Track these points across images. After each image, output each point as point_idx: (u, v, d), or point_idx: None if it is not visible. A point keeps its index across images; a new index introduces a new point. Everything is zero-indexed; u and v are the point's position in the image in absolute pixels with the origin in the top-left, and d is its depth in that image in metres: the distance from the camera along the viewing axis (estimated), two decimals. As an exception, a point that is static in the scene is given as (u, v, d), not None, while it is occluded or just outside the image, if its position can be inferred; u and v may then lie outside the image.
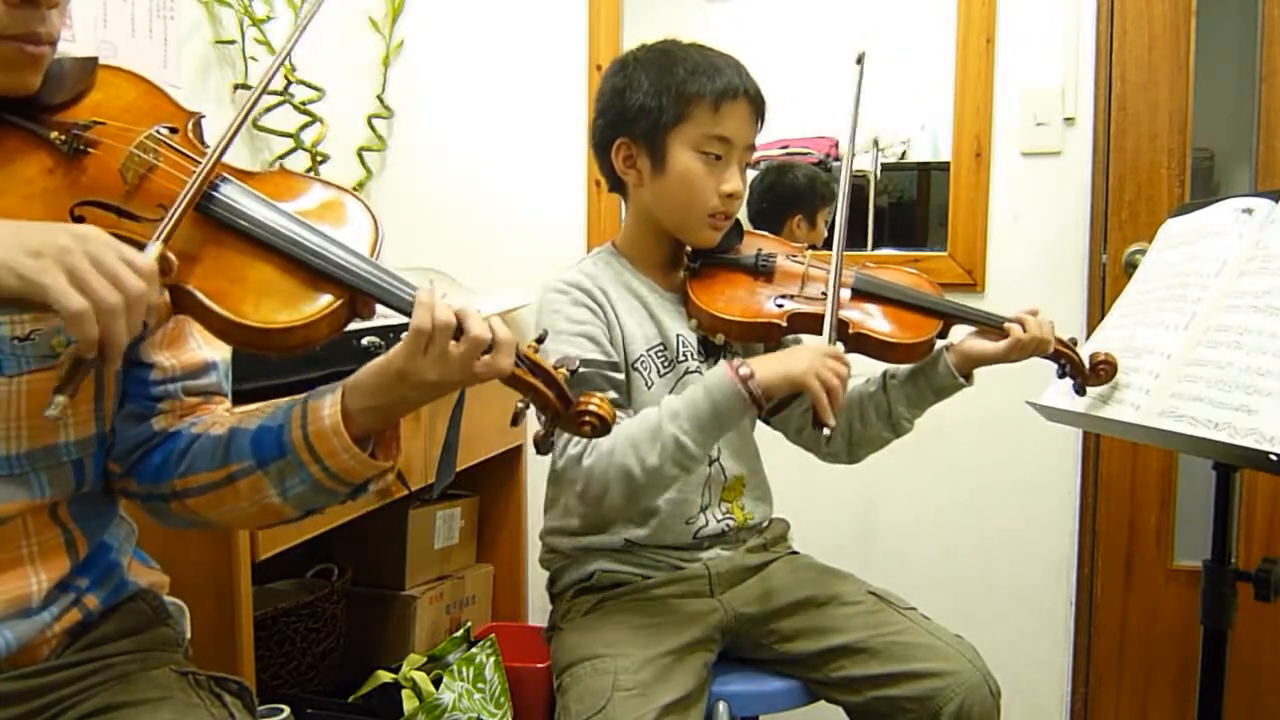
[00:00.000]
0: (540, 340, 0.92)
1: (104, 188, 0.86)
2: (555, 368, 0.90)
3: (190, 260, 0.84)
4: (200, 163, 0.86)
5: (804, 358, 1.26)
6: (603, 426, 0.90)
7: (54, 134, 0.87)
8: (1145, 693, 2.18)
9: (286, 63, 2.13)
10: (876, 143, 2.28)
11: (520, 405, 0.91)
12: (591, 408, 0.90)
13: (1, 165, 0.85)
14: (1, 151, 0.86)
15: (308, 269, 0.86)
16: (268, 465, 0.92)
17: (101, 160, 0.87)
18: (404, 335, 0.86)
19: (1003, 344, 1.38)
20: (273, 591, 1.72)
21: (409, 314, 0.86)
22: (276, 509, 0.94)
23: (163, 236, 0.79)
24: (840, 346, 1.38)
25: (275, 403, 0.96)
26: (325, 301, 0.85)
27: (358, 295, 0.86)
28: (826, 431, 1.25)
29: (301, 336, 0.85)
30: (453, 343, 0.85)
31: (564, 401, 0.90)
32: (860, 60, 1.48)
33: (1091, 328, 2.05)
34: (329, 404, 0.89)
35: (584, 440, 1.28)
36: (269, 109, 2.14)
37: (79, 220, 0.84)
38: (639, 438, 1.26)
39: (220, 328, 0.84)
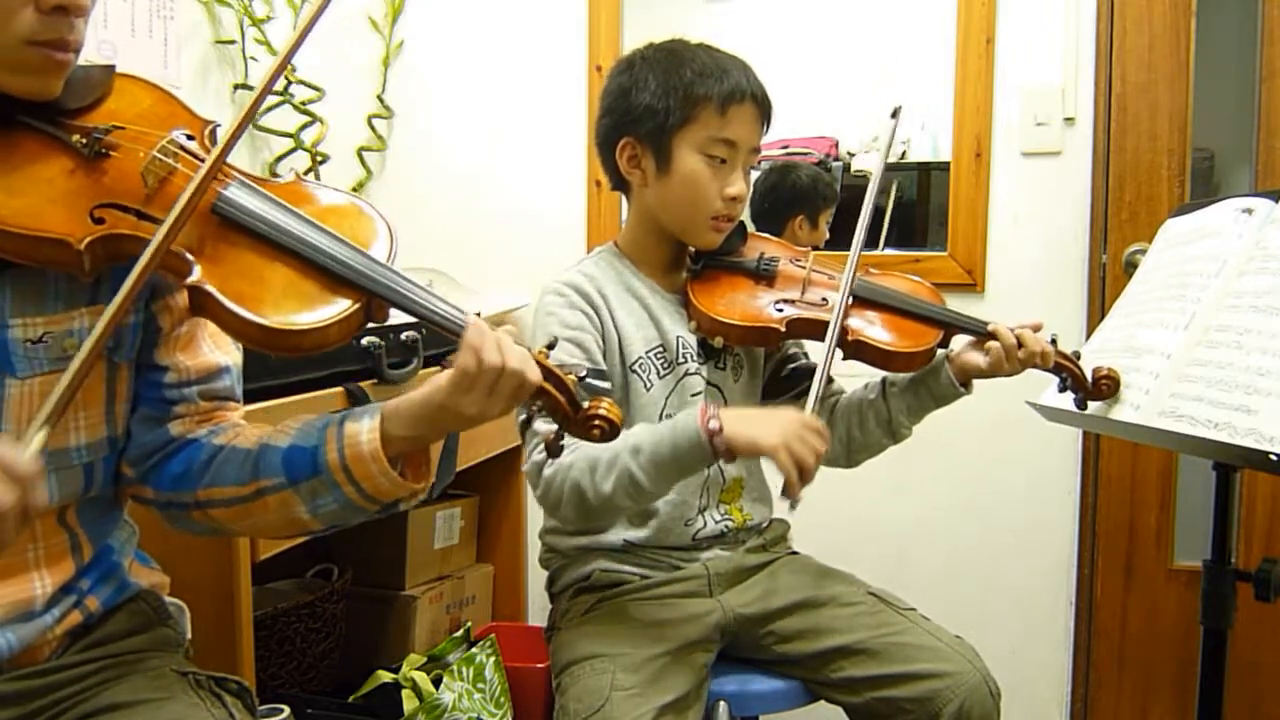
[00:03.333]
0: (550, 347, 0.94)
1: (124, 190, 0.87)
2: (565, 373, 0.92)
3: (209, 262, 0.85)
4: (210, 164, 0.87)
5: (779, 427, 1.19)
6: (612, 430, 0.92)
7: (75, 137, 0.88)
8: (1145, 693, 2.18)
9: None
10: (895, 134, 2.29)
11: (533, 409, 0.93)
12: (601, 412, 0.91)
13: (23, 167, 0.86)
14: (22, 154, 0.87)
15: (325, 272, 0.87)
16: (299, 483, 0.92)
17: (121, 164, 0.89)
18: (450, 374, 0.87)
19: (988, 361, 1.37)
20: (273, 591, 1.71)
21: (419, 316, 0.88)
22: (304, 523, 0.95)
23: (45, 420, 0.75)
24: (839, 354, 1.38)
25: (305, 419, 0.97)
26: (343, 304, 0.87)
27: (373, 299, 0.88)
28: (789, 507, 1.22)
29: (319, 338, 0.86)
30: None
31: (574, 406, 0.92)
32: (895, 114, 1.45)
33: (1091, 328, 2.05)
34: (367, 429, 0.90)
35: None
36: (269, 109, 2.14)
37: (99, 222, 0.85)
38: (597, 462, 1.25)
39: (239, 328, 0.85)
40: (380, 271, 0.88)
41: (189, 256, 0.84)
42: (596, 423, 0.91)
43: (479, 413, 0.88)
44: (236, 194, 0.89)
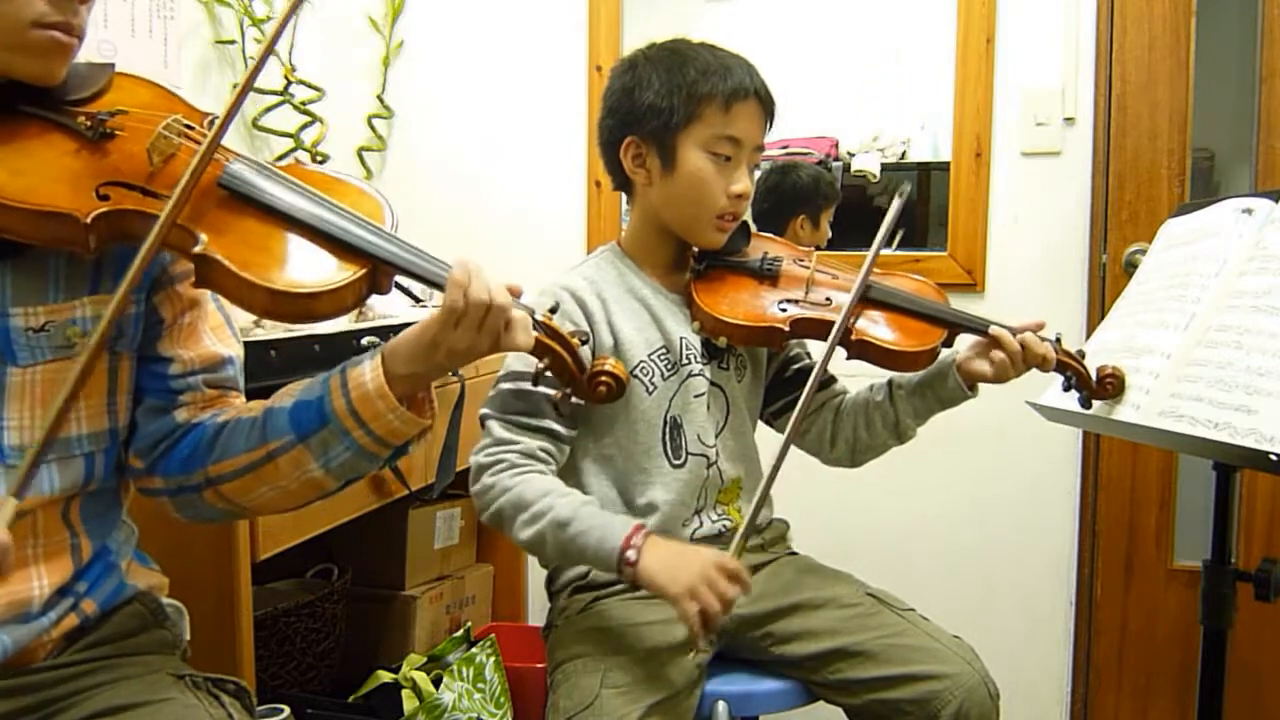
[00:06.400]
0: (554, 310, 0.97)
1: (129, 169, 0.89)
2: (570, 335, 0.95)
3: (215, 233, 0.87)
4: (219, 125, 0.88)
5: (692, 573, 1.17)
6: (618, 387, 0.95)
7: (80, 120, 0.90)
8: (1145, 693, 2.18)
9: (287, 63, 2.13)
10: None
11: (540, 367, 0.96)
12: (607, 368, 0.95)
13: (26, 150, 0.88)
14: (26, 137, 0.88)
15: (330, 239, 0.90)
16: (309, 437, 0.94)
17: (125, 143, 0.90)
18: (437, 309, 0.90)
19: (992, 370, 1.36)
20: (273, 591, 1.71)
21: (427, 281, 0.91)
22: (318, 482, 0.96)
23: (14, 491, 0.79)
24: (843, 353, 1.38)
25: (304, 382, 0.98)
26: (348, 270, 0.89)
27: (378, 266, 0.90)
28: (692, 655, 1.25)
29: (327, 303, 0.88)
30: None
31: (580, 367, 0.95)
32: (902, 194, 1.43)
33: (1091, 328, 2.05)
34: (370, 369, 0.92)
35: (494, 456, 1.31)
36: (269, 109, 2.14)
37: (104, 198, 0.86)
38: (526, 507, 1.27)
39: (246, 296, 0.87)
40: (386, 237, 0.91)
41: (195, 229, 0.86)
42: (603, 379, 0.94)
43: (468, 348, 0.90)
44: (240, 168, 0.91)
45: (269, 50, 0.92)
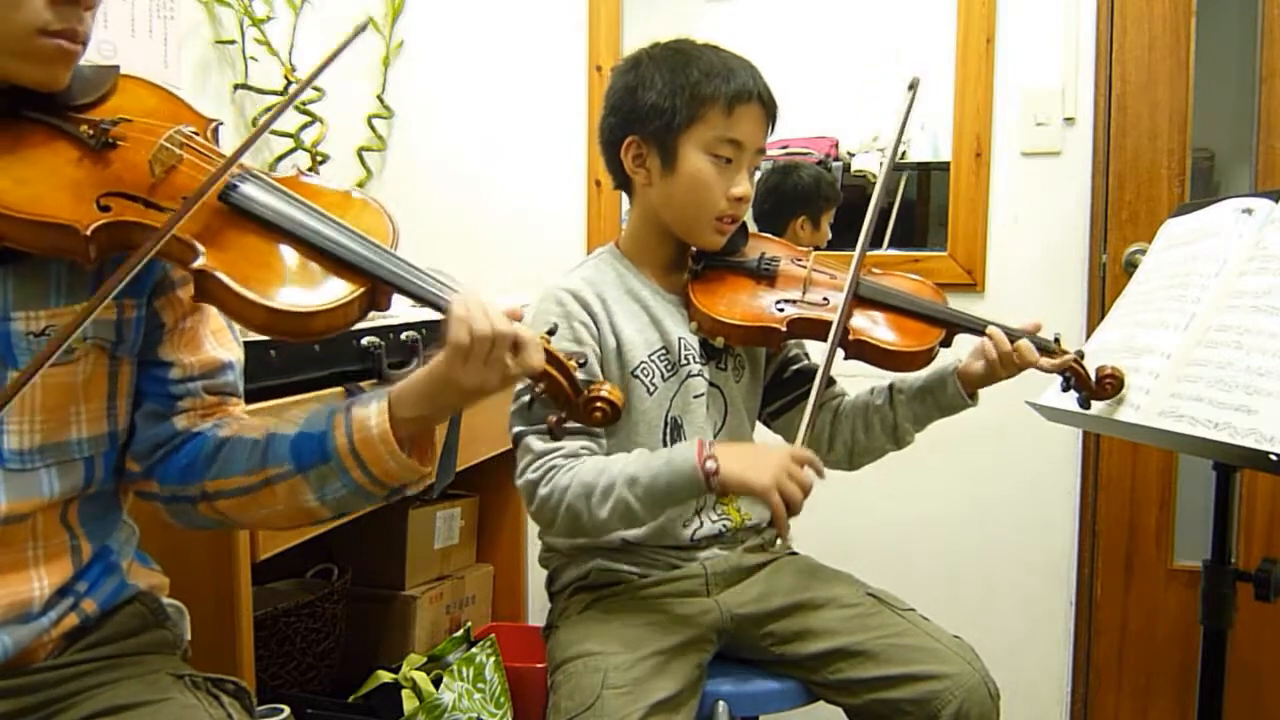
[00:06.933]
0: (551, 333, 0.96)
1: (131, 180, 0.89)
2: (567, 359, 0.93)
3: (215, 248, 0.86)
4: (221, 162, 0.88)
5: (771, 466, 1.22)
6: (614, 413, 0.94)
7: (82, 128, 0.89)
8: (1145, 693, 2.18)
9: (287, 63, 2.13)
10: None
11: (537, 391, 0.95)
12: (603, 394, 0.93)
13: (30, 157, 0.88)
14: (29, 144, 0.88)
15: (331, 257, 0.89)
16: (308, 470, 0.93)
17: (128, 154, 0.90)
18: (443, 348, 0.89)
19: (984, 366, 1.38)
20: (273, 591, 1.71)
21: (426, 303, 0.90)
22: (312, 511, 0.96)
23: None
24: (841, 354, 1.38)
25: (310, 407, 0.98)
26: (348, 289, 0.89)
27: (377, 285, 0.90)
28: (779, 543, 1.27)
29: (325, 322, 0.88)
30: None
31: (576, 390, 0.94)
32: (913, 86, 1.45)
33: (1091, 328, 2.05)
34: (376, 412, 0.91)
35: (542, 468, 1.31)
36: (269, 109, 2.14)
37: (105, 209, 0.86)
38: (593, 488, 1.28)
39: (244, 312, 0.86)
40: (386, 257, 0.90)
41: (195, 243, 0.85)
42: (599, 404, 0.93)
43: (479, 384, 0.89)
44: (244, 183, 0.91)
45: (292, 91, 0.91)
